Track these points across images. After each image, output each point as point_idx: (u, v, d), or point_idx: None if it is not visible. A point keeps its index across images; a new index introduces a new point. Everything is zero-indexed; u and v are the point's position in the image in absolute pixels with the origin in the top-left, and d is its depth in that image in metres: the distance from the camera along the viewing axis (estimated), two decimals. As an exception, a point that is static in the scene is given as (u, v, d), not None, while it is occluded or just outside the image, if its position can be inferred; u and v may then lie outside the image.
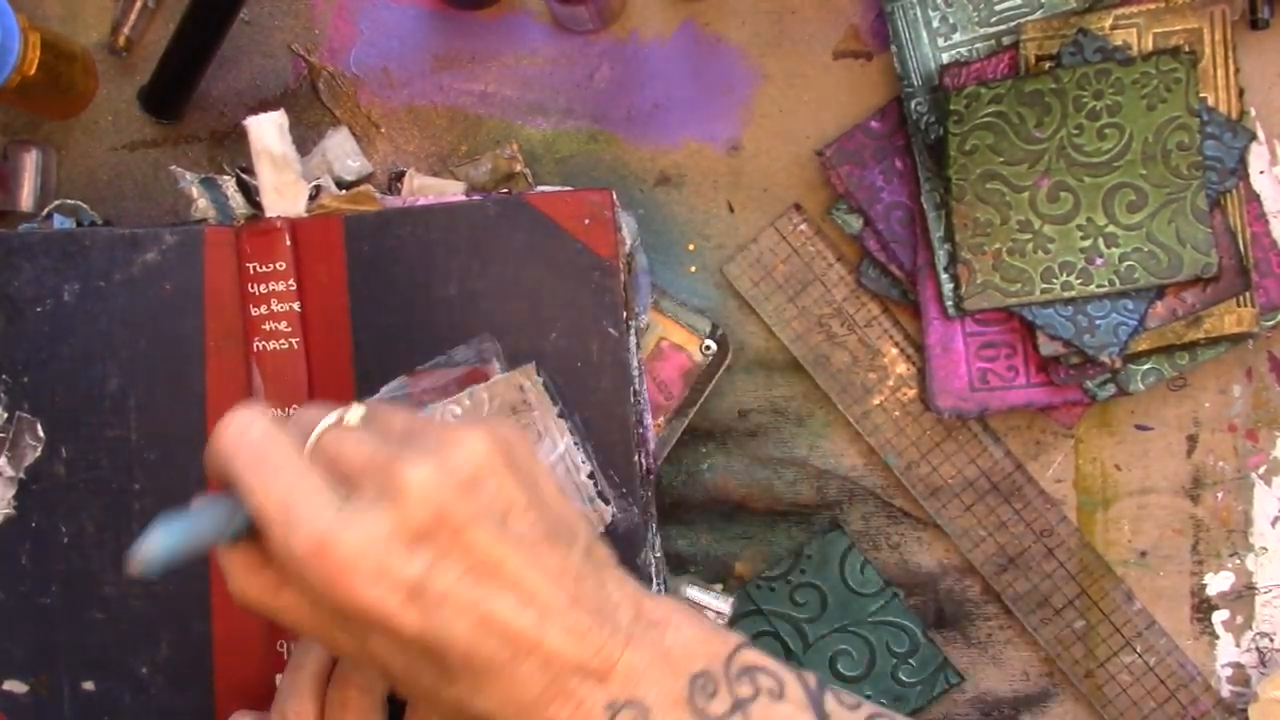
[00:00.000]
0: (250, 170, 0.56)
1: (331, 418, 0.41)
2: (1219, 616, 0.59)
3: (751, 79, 0.60)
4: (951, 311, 0.57)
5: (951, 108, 0.56)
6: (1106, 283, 0.56)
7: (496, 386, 0.53)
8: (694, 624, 0.41)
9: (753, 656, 0.40)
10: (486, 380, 0.53)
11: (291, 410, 0.55)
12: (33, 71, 0.56)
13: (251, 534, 0.39)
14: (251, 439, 0.39)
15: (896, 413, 0.59)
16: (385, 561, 0.36)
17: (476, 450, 0.38)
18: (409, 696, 0.43)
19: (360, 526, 0.36)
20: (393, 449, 0.38)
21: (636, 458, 0.54)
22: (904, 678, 0.59)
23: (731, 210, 0.60)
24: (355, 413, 0.41)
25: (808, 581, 0.60)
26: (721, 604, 0.57)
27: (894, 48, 0.57)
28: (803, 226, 0.60)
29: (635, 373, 0.55)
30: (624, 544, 0.52)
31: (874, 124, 0.59)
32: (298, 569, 0.37)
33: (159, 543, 0.36)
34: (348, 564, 0.36)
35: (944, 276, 0.57)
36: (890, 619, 0.59)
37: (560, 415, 0.53)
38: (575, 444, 0.53)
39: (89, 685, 0.54)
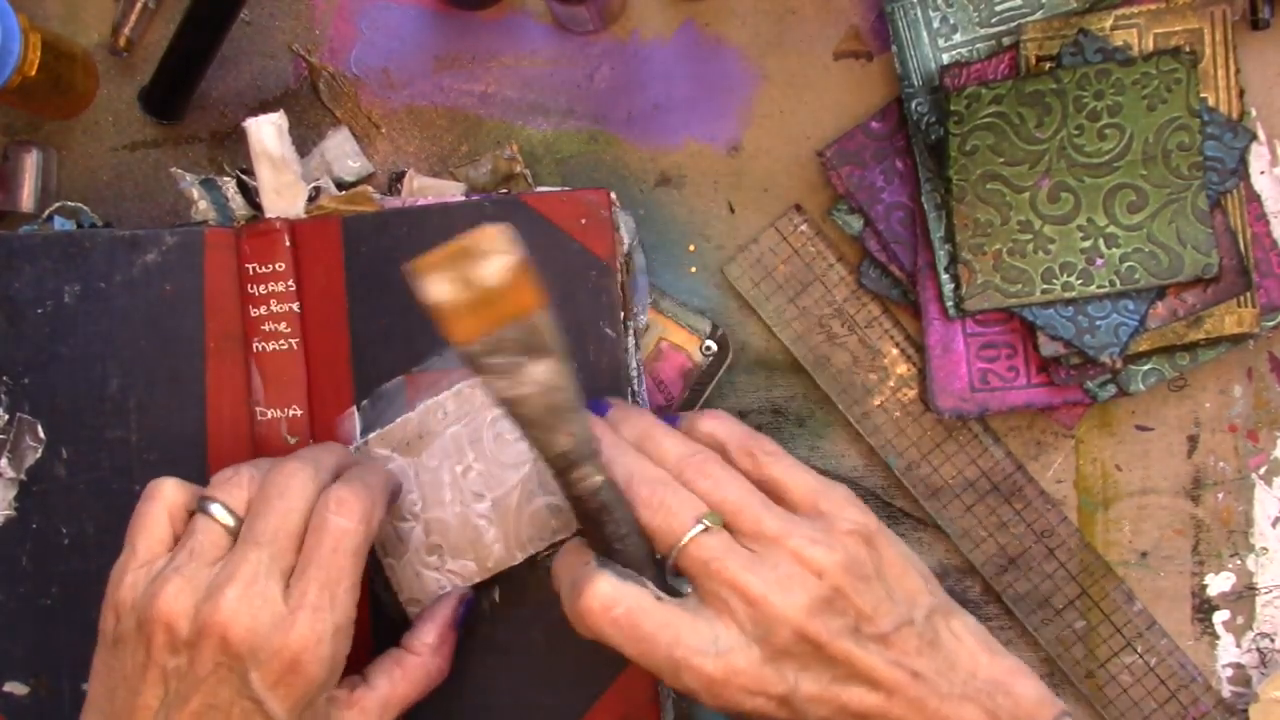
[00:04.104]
0: (250, 171, 0.57)
1: (696, 528, 0.46)
2: (1220, 617, 0.59)
3: (751, 79, 0.60)
4: (952, 312, 0.57)
5: (952, 108, 0.56)
6: (1107, 283, 0.56)
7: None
8: (1030, 682, 0.46)
9: None
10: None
11: (292, 411, 0.55)
12: (33, 72, 0.56)
13: None
14: (617, 616, 0.44)
15: (897, 413, 0.59)
16: (760, 681, 0.44)
17: (832, 564, 0.45)
18: None
19: (734, 656, 0.44)
20: (751, 574, 0.45)
21: (636, 458, 0.54)
22: (904, 678, 0.59)
23: (732, 211, 0.60)
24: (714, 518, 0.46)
25: (808, 582, 0.60)
26: None
27: (894, 48, 0.57)
28: (803, 227, 0.60)
29: (634, 373, 0.55)
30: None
31: (874, 124, 0.59)
32: (688, 680, 0.44)
33: None
34: (731, 683, 0.44)
35: (944, 277, 0.57)
36: (890, 620, 0.59)
37: None
38: None
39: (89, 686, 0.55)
